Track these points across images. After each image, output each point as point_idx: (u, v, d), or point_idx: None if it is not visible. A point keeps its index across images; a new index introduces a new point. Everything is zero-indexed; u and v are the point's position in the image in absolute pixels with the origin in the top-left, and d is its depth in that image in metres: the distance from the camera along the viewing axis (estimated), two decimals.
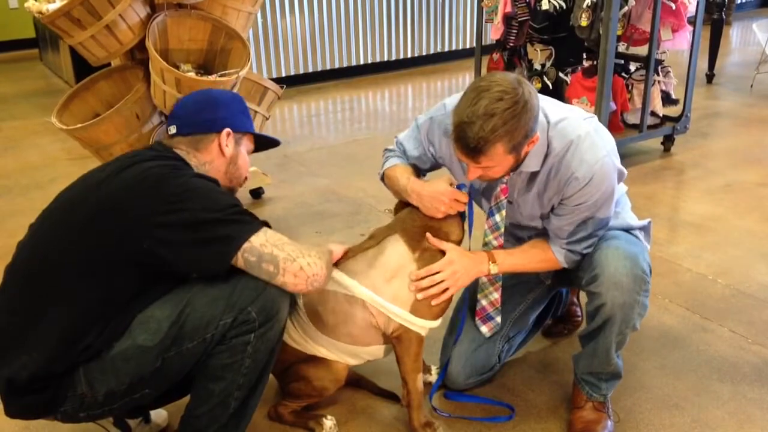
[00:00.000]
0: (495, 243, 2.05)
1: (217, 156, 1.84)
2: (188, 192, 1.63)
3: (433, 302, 1.90)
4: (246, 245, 1.61)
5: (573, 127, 1.86)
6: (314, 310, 1.94)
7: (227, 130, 1.84)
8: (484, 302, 2.13)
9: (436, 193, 1.93)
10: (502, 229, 2.03)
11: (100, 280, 1.61)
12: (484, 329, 2.15)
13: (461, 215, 2.00)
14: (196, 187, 1.65)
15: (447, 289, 1.91)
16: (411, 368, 1.96)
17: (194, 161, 1.81)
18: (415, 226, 1.96)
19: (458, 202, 1.93)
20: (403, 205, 2.07)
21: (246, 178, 1.95)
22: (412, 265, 1.91)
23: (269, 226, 1.69)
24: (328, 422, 2.05)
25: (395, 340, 1.94)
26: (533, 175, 1.92)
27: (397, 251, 1.92)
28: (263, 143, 2.03)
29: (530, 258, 2.03)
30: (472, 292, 2.18)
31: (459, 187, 1.95)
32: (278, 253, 1.63)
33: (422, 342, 1.96)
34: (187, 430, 1.75)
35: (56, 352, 1.58)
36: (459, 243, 2.00)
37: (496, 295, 2.12)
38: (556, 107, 1.91)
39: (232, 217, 1.63)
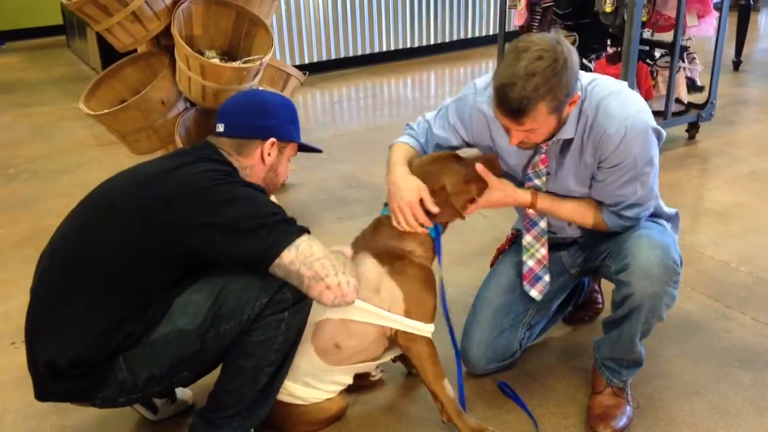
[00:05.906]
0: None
1: (257, 162, 1.87)
2: (236, 198, 1.68)
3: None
4: (277, 261, 1.65)
5: (602, 87, 1.87)
6: (331, 345, 1.90)
7: (272, 140, 1.87)
8: (531, 263, 2.11)
9: (406, 192, 1.88)
10: (544, 191, 2.02)
11: (142, 271, 1.65)
12: (534, 293, 2.12)
13: (435, 234, 1.95)
14: (244, 194, 1.71)
15: (485, 189, 1.93)
16: (433, 374, 1.91)
17: (236, 164, 1.84)
18: (378, 247, 1.93)
19: (415, 217, 1.87)
20: None
21: (283, 183, 1.99)
22: (386, 276, 1.89)
23: (308, 232, 1.72)
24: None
25: (406, 351, 1.93)
26: (567, 143, 1.92)
27: (368, 265, 1.90)
28: (305, 147, 2.05)
29: (572, 206, 2.00)
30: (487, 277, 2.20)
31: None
32: (305, 272, 1.66)
33: (433, 344, 1.93)
34: (218, 406, 1.79)
35: (96, 339, 1.62)
36: (425, 269, 1.94)
37: (544, 251, 2.09)
38: (586, 73, 1.92)
39: (271, 226, 1.66)
